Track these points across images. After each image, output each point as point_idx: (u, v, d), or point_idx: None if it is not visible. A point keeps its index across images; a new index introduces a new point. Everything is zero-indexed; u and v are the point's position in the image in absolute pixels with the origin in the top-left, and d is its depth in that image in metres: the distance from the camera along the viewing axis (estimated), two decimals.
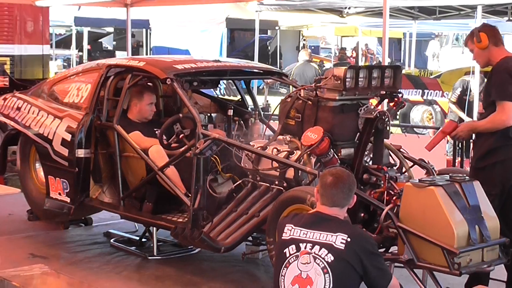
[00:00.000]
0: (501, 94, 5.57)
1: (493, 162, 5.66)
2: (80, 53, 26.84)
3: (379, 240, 5.59)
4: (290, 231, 4.34)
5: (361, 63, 28.60)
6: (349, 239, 4.21)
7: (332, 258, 4.18)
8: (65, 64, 25.84)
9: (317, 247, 4.22)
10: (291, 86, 7.73)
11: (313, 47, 30.96)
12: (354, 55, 30.83)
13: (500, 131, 5.60)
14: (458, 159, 8.51)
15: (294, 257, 4.26)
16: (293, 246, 4.29)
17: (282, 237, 4.36)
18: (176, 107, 7.54)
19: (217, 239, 5.95)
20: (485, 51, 5.72)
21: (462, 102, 12.62)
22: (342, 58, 28.53)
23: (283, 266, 4.28)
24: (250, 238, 6.54)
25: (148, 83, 7.23)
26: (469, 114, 11.79)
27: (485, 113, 5.78)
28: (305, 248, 4.25)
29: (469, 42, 5.82)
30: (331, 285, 4.16)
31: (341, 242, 4.21)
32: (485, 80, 6.69)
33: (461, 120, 11.54)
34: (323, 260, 4.18)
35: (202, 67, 6.95)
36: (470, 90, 12.60)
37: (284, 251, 4.30)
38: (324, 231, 4.27)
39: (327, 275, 4.16)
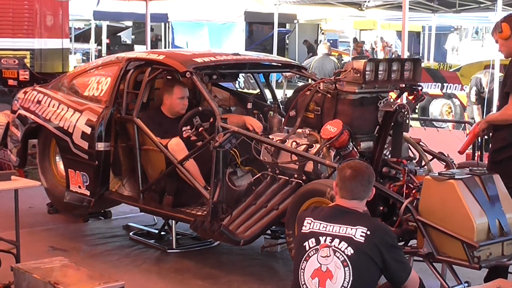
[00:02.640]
0: None
1: (510, 155, 5.65)
2: (99, 47, 26.91)
3: (398, 233, 5.58)
4: (310, 225, 4.34)
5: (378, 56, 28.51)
6: (368, 232, 4.21)
7: (352, 251, 4.18)
8: (84, 58, 25.92)
9: (337, 240, 4.22)
10: (309, 79, 7.70)
11: (331, 41, 30.87)
12: (369, 48, 30.73)
13: None
14: (477, 153, 8.47)
15: (314, 250, 4.26)
16: (313, 239, 4.28)
17: (302, 231, 4.35)
18: (196, 100, 7.55)
19: (236, 232, 5.96)
20: (507, 41, 5.71)
21: (481, 99, 12.62)
22: (360, 52, 28.46)
23: (303, 259, 4.28)
24: (269, 232, 6.54)
25: (168, 76, 7.24)
26: (488, 110, 11.75)
27: (500, 106, 5.77)
28: (325, 241, 4.25)
29: (494, 33, 5.81)
30: (350, 278, 4.16)
31: (361, 235, 4.20)
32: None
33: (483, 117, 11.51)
34: (343, 254, 4.18)
35: (221, 61, 6.96)
36: (483, 87, 12.58)
37: (304, 244, 4.30)
38: (343, 224, 4.27)
39: (346, 268, 4.16)
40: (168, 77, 7.24)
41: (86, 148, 7.06)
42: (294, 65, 7.84)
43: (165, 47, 26.15)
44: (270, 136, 6.33)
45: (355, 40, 30.56)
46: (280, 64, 7.88)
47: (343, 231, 4.24)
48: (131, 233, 7.55)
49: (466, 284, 5.43)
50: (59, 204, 7.80)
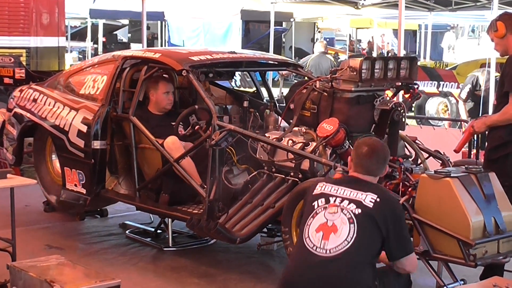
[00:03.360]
0: None
1: (506, 153, 5.66)
2: (95, 45, 26.90)
3: None
4: (322, 187, 4.42)
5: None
6: (378, 199, 4.27)
7: (360, 211, 4.23)
8: (80, 56, 25.92)
9: (346, 202, 4.29)
10: (306, 78, 7.70)
11: (328, 39, 30.86)
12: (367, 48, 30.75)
13: None
14: (473, 151, 8.49)
15: (322, 208, 4.32)
16: (323, 199, 4.35)
17: (313, 193, 4.42)
18: (192, 98, 7.55)
19: (233, 230, 5.96)
20: (503, 40, 5.72)
21: (475, 97, 12.63)
22: (354, 50, 28.51)
23: (310, 216, 4.34)
24: (265, 230, 6.54)
25: (164, 75, 7.24)
26: (484, 108, 11.76)
27: (498, 105, 5.77)
28: (334, 201, 4.31)
29: (490, 31, 5.82)
30: (354, 235, 4.18)
31: (370, 201, 4.26)
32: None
33: (474, 115, 11.53)
34: (350, 212, 4.24)
35: (218, 59, 6.95)
36: (480, 85, 12.60)
37: (313, 204, 4.36)
38: (355, 189, 4.33)
39: (352, 225, 4.20)
40: (164, 75, 7.25)
41: (82, 146, 7.05)
42: (290, 63, 7.84)
43: (161, 46, 26.15)
44: (267, 134, 6.33)
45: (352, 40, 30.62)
46: (276, 63, 7.88)
47: (354, 195, 4.30)
48: (127, 232, 7.55)
49: (462, 282, 5.43)
50: (55, 202, 7.79)
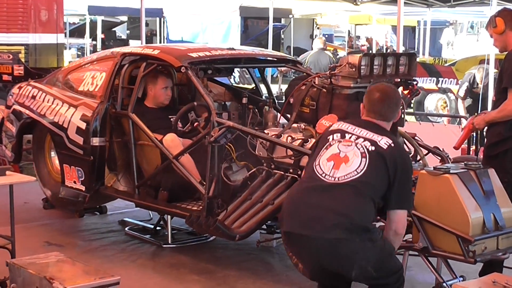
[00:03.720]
0: None
1: (505, 149, 5.67)
2: (94, 42, 26.88)
3: None
4: (339, 125, 4.46)
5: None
6: (393, 145, 4.30)
7: (374, 148, 4.26)
8: (79, 53, 25.89)
9: (361, 139, 4.32)
10: (305, 74, 7.69)
11: (326, 36, 30.85)
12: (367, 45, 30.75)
13: None
14: (472, 148, 8.49)
15: (336, 141, 4.36)
16: (338, 134, 4.39)
17: (329, 129, 4.47)
18: (191, 95, 7.54)
19: (232, 227, 5.95)
20: (502, 36, 5.72)
21: (473, 94, 12.67)
22: (352, 46, 28.48)
23: (324, 147, 4.37)
24: (264, 226, 6.54)
25: (163, 72, 7.23)
26: (483, 105, 11.77)
27: (497, 101, 5.77)
28: (350, 138, 4.34)
29: (489, 27, 5.81)
30: (365, 168, 4.21)
31: (385, 144, 4.30)
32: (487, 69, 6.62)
33: (473, 112, 11.54)
34: (364, 147, 4.27)
35: (217, 55, 6.95)
36: (477, 83, 12.62)
37: (328, 137, 4.39)
38: (371, 131, 4.37)
39: (364, 159, 4.23)
40: (162, 70, 7.24)
41: (81, 143, 7.05)
42: (289, 59, 7.84)
43: (160, 42, 26.12)
44: (266, 131, 6.33)
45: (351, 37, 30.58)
46: (275, 59, 7.88)
47: (369, 136, 4.35)
48: (126, 228, 7.55)
49: (461, 279, 5.44)
50: (54, 199, 7.79)
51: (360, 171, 4.20)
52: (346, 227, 4.15)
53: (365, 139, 4.32)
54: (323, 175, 4.25)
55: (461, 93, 12.92)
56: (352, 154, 4.25)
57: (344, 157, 4.26)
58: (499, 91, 5.72)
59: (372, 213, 4.35)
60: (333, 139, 4.37)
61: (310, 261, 4.35)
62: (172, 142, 6.56)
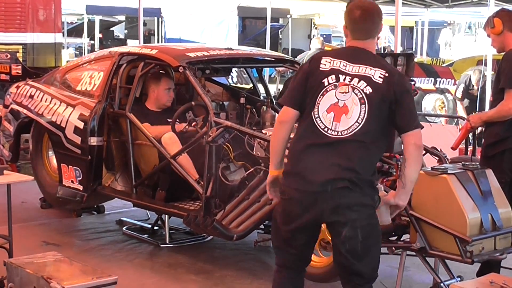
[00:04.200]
0: (510, 81, 5.56)
1: (502, 150, 5.67)
2: (92, 42, 26.87)
3: (391, 228, 5.59)
4: (330, 63, 4.29)
5: None
6: (387, 74, 4.21)
7: (371, 90, 4.18)
8: (76, 52, 25.88)
9: (356, 79, 4.22)
10: None
11: (324, 36, 30.82)
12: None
13: (510, 120, 5.60)
14: (470, 148, 8.49)
15: (332, 86, 4.23)
16: (333, 76, 4.25)
17: (321, 69, 4.29)
18: (189, 95, 7.54)
19: (229, 227, 5.96)
20: (499, 36, 5.72)
21: (470, 96, 12.71)
22: None
23: (320, 94, 4.24)
24: (262, 226, 6.54)
25: (161, 71, 7.23)
26: (481, 106, 11.80)
27: (494, 101, 5.78)
28: (344, 80, 4.23)
29: (487, 28, 5.81)
30: (365, 116, 4.14)
31: (380, 77, 4.20)
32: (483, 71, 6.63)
33: (470, 112, 11.56)
34: (361, 91, 4.18)
35: (215, 55, 6.95)
36: (473, 85, 12.65)
37: (323, 80, 4.25)
38: (363, 64, 4.26)
39: (363, 106, 4.15)
40: (161, 71, 7.24)
41: (78, 142, 7.05)
42: (287, 59, 7.84)
43: (158, 42, 26.12)
44: (263, 131, 6.33)
45: None
46: (273, 59, 7.88)
47: (363, 70, 4.23)
48: (124, 228, 7.55)
49: (459, 279, 5.44)
50: (52, 199, 7.79)
51: (362, 121, 4.15)
52: (352, 180, 4.13)
53: (360, 77, 4.21)
54: (325, 129, 4.19)
55: (459, 94, 12.96)
56: (350, 103, 4.18)
57: (343, 106, 4.19)
58: (496, 92, 5.73)
59: (378, 158, 4.36)
60: (328, 83, 4.25)
61: (302, 214, 4.24)
62: (170, 140, 6.55)
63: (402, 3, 9.84)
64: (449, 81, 15.79)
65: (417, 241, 5.27)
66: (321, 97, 4.24)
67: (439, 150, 6.22)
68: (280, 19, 28.76)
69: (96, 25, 26.60)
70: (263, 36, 21.29)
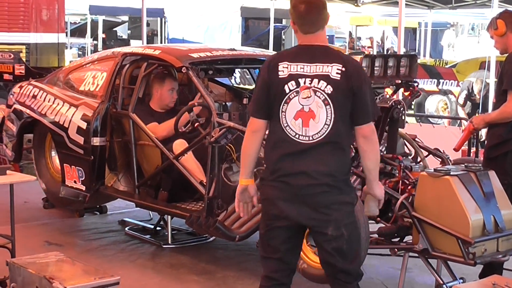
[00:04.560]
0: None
1: (505, 151, 5.66)
2: (95, 42, 26.89)
3: (393, 229, 5.59)
4: (287, 68, 4.26)
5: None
6: (343, 69, 4.18)
7: (331, 89, 4.16)
8: (80, 52, 25.91)
9: (316, 80, 4.19)
10: None
11: (327, 37, 30.76)
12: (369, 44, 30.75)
13: None
14: (473, 149, 8.48)
15: (294, 93, 4.22)
16: (293, 82, 4.23)
17: (280, 76, 4.26)
18: (192, 95, 7.54)
19: (232, 228, 5.95)
20: (503, 38, 5.71)
21: (472, 101, 12.75)
22: (353, 47, 28.42)
23: (283, 102, 4.23)
24: None
25: (164, 72, 7.24)
26: (483, 110, 11.80)
27: (497, 103, 5.77)
28: (305, 83, 4.21)
29: (490, 29, 5.81)
30: (332, 116, 4.15)
31: (337, 73, 4.18)
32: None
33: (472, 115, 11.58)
34: (323, 93, 4.16)
35: (218, 56, 6.95)
36: (475, 94, 12.67)
37: (284, 88, 4.24)
38: (319, 62, 4.22)
39: (328, 107, 4.15)
40: (165, 71, 7.24)
41: (81, 143, 7.05)
42: None
43: (161, 42, 26.13)
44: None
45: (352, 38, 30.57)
46: None
47: (320, 69, 4.20)
48: (126, 228, 7.55)
49: (461, 280, 5.44)
50: (54, 199, 7.79)
51: (330, 122, 4.15)
52: (329, 184, 4.15)
53: (319, 77, 4.19)
54: (297, 136, 4.19)
55: (460, 100, 13.01)
56: (315, 106, 4.17)
57: (309, 111, 4.18)
58: (499, 93, 5.72)
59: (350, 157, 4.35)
60: (289, 90, 4.22)
61: (282, 215, 4.25)
62: (181, 147, 6.55)
63: (406, 4, 9.86)
64: (452, 83, 15.78)
65: (419, 243, 5.27)
66: (285, 105, 4.24)
67: (442, 151, 6.22)
68: (283, 20, 28.72)
69: (99, 25, 26.63)
70: (266, 37, 21.30)
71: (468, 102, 13.00)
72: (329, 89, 4.17)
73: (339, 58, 4.25)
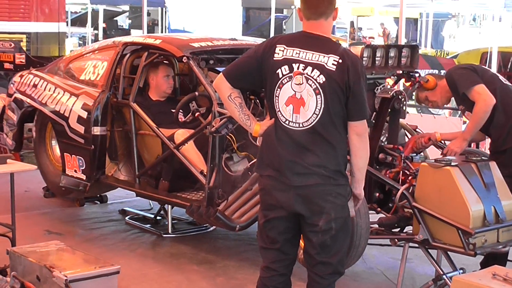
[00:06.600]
0: (465, 83, 5.55)
1: None
2: (96, 31, 26.86)
3: (394, 219, 5.60)
4: (283, 52, 4.25)
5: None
6: (340, 61, 4.16)
7: (324, 79, 4.14)
8: (80, 42, 25.87)
9: (309, 68, 4.17)
10: None
11: None
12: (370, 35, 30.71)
13: None
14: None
15: (287, 78, 4.21)
16: (286, 66, 4.22)
17: (274, 58, 4.26)
18: (192, 85, 7.54)
19: (232, 218, 5.96)
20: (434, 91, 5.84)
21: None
22: (354, 37, 28.37)
23: (277, 87, 4.23)
24: None
25: (164, 61, 7.23)
26: None
27: (465, 109, 5.80)
28: (298, 68, 4.19)
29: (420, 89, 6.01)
30: (322, 106, 4.13)
31: (333, 64, 4.15)
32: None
33: None
34: (315, 81, 4.15)
35: (219, 45, 6.94)
36: None
37: (277, 71, 4.23)
38: (317, 51, 4.20)
39: (318, 96, 4.13)
40: (165, 61, 7.23)
41: (82, 132, 7.05)
42: None
43: (161, 32, 26.10)
44: None
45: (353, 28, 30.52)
46: None
47: (316, 58, 4.18)
48: (127, 218, 7.56)
49: (461, 271, 5.45)
50: (55, 188, 7.80)
51: (319, 112, 4.14)
52: (322, 174, 4.14)
53: (313, 66, 4.16)
54: (287, 122, 4.19)
55: None
56: (306, 94, 4.16)
57: (300, 99, 4.17)
58: (461, 101, 5.74)
59: (345, 148, 4.27)
60: (282, 74, 4.21)
61: (278, 204, 4.24)
62: (183, 137, 6.54)
63: None
64: None
65: (420, 233, 5.28)
66: (278, 90, 4.23)
67: (443, 142, 6.21)
68: (284, 10, 28.71)
69: (100, 15, 26.57)
70: (267, 27, 21.29)
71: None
72: (321, 79, 4.14)
73: (337, 50, 4.21)
